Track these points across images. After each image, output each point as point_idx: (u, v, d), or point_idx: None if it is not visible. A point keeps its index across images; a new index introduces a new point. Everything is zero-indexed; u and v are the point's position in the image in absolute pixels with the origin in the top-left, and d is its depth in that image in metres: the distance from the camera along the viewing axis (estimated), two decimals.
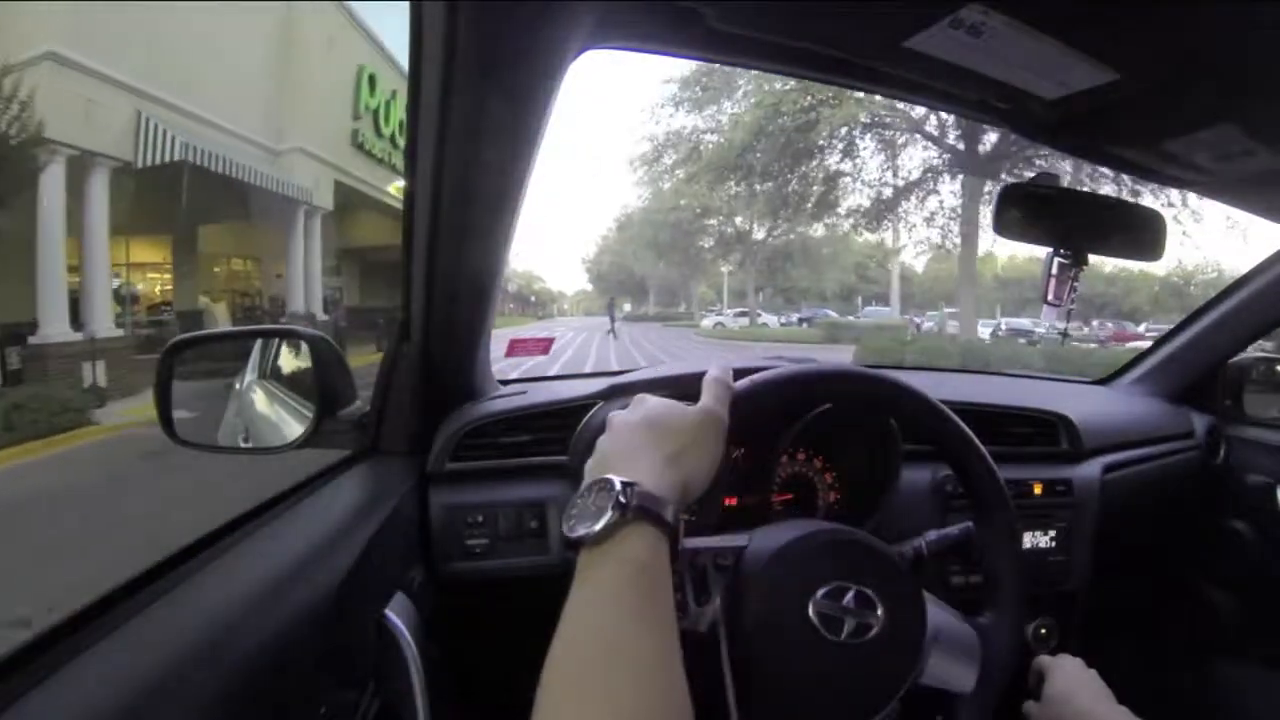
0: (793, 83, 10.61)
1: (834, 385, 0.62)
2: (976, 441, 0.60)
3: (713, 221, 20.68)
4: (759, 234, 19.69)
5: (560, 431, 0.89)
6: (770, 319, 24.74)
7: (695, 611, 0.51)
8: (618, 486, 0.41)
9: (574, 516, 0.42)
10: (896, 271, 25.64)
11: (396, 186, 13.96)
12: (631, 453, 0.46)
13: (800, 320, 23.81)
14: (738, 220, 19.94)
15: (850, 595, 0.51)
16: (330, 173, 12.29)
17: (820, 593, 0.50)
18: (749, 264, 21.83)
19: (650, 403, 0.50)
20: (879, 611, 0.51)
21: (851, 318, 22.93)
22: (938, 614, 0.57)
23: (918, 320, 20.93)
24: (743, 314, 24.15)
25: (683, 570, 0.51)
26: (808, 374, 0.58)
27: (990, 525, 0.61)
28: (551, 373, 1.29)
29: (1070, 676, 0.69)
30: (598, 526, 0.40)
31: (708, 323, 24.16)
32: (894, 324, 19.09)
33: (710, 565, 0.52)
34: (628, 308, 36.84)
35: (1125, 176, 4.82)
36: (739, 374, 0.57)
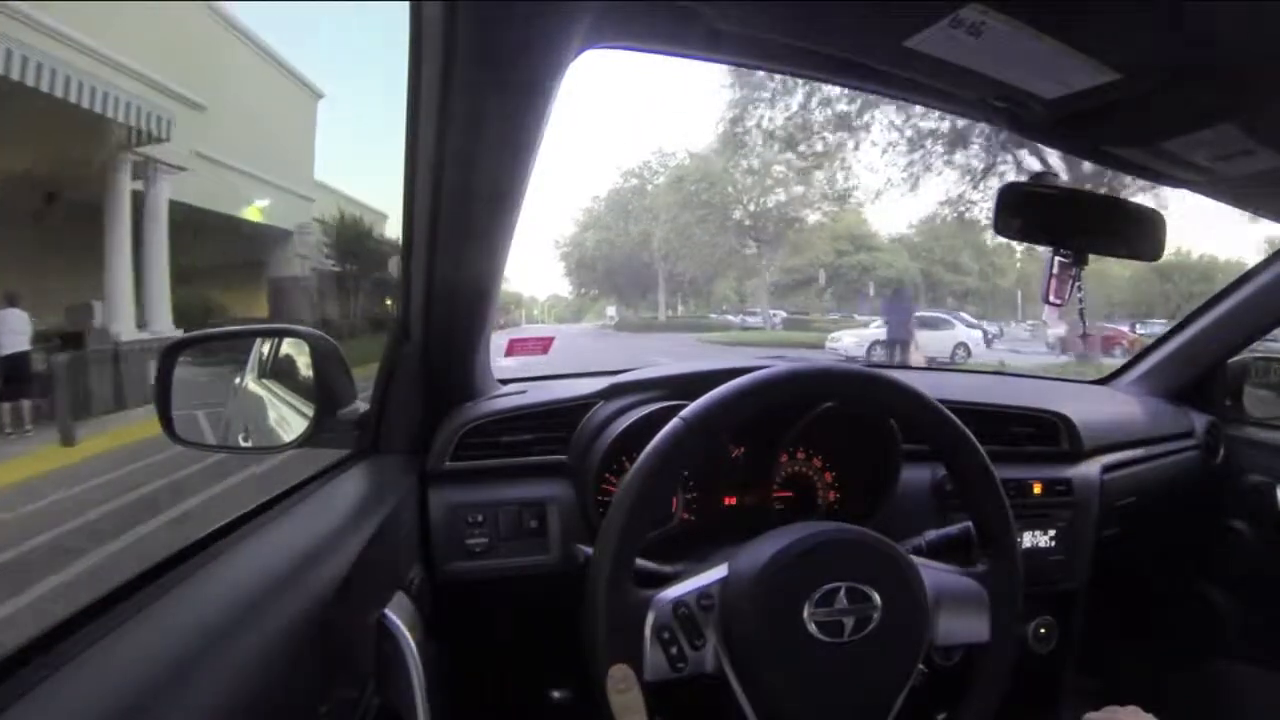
0: None
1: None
2: (895, 384, 0.59)
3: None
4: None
5: (560, 431, 0.89)
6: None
7: (694, 657, 0.50)
8: None
9: None
10: None
11: None
12: None
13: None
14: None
15: (842, 594, 0.51)
16: None
17: (812, 602, 0.50)
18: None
19: None
20: (875, 598, 0.51)
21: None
22: (934, 575, 0.57)
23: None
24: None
25: (669, 624, 0.50)
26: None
27: (965, 467, 0.60)
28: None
29: None
30: None
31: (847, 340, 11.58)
32: None
33: (695, 608, 0.51)
34: (611, 311, 26.63)
35: None
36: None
